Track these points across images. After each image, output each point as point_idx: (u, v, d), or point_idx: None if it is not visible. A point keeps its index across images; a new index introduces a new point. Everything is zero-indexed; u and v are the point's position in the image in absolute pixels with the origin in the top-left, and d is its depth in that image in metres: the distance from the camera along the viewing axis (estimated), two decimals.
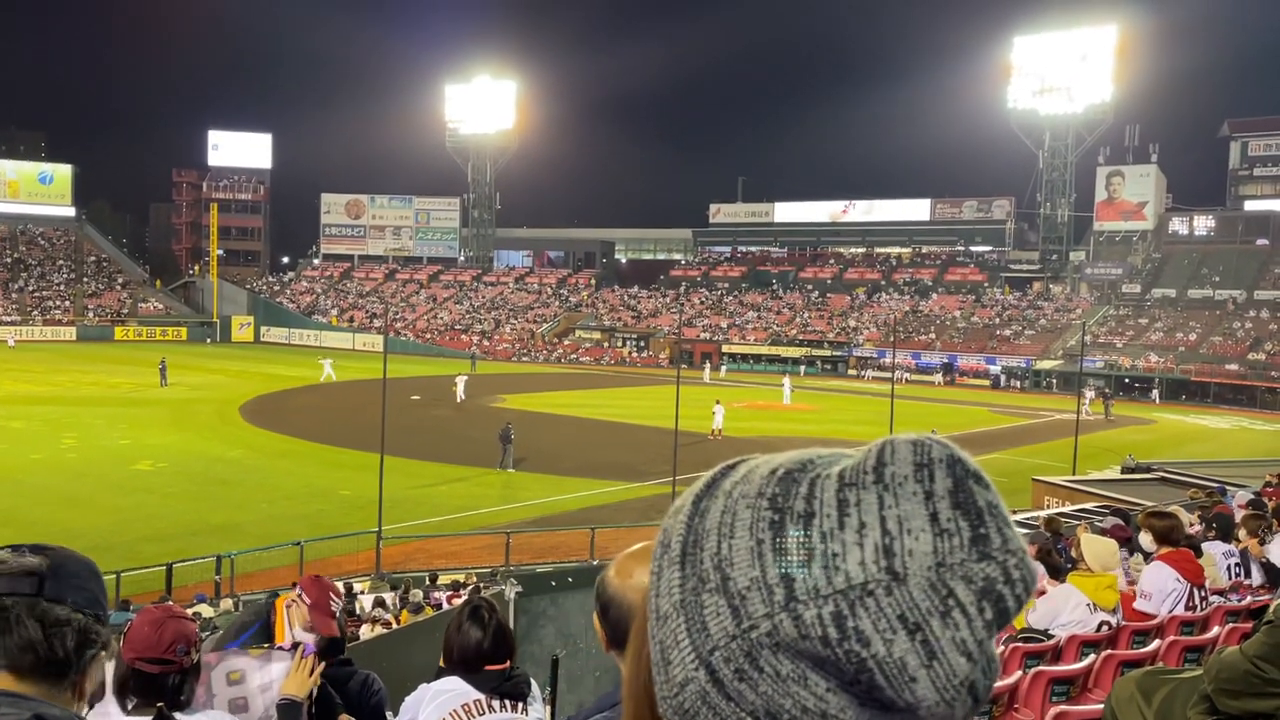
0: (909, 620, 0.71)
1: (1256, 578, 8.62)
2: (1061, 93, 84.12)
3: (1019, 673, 6.01)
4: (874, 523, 0.74)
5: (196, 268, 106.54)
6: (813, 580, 0.73)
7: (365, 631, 14.09)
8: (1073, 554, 8.11)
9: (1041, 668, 6.02)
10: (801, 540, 0.75)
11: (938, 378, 71.77)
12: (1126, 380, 65.89)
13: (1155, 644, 6.41)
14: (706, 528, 0.80)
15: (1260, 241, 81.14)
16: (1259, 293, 74.89)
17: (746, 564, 0.76)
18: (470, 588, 16.67)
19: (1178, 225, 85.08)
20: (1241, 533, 9.23)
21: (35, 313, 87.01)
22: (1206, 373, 64.56)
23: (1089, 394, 55.73)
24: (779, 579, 0.74)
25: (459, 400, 48.63)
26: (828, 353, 78.87)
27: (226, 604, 16.65)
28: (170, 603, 10.46)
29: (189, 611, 13.28)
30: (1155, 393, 63.39)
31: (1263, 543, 8.76)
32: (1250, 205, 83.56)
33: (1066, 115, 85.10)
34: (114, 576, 17.47)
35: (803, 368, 74.78)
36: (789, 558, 0.75)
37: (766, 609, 0.74)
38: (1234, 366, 64.95)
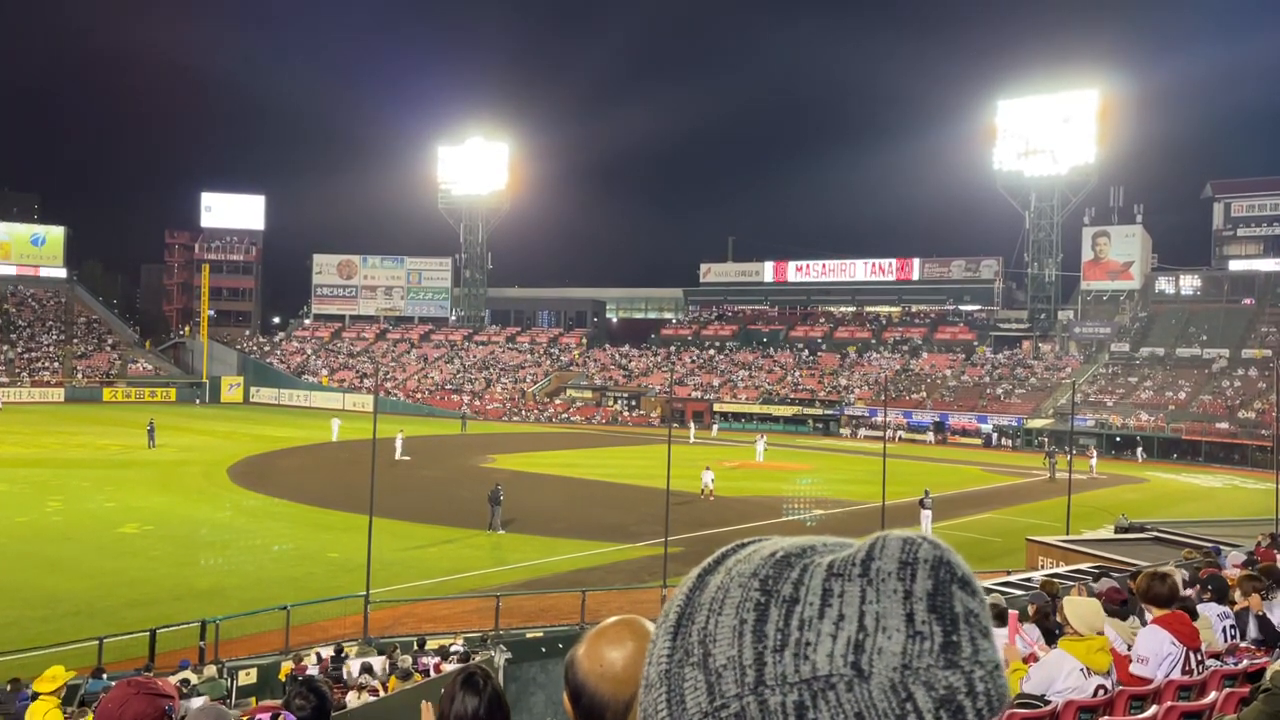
0: (865, 719, 0.71)
1: (1252, 632, 8.55)
2: (1046, 155, 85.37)
3: None
4: (853, 616, 0.74)
5: (187, 328, 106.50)
6: (782, 667, 0.74)
7: (352, 699, 13.84)
8: (1058, 619, 8.04)
9: None
10: (780, 625, 0.75)
11: (929, 436, 71.87)
12: (1118, 439, 66.03)
13: (1153, 709, 6.32)
14: (701, 601, 0.81)
15: (1246, 301, 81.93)
16: (1246, 351, 75.36)
17: (727, 642, 0.77)
18: (459, 654, 16.42)
19: (1164, 285, 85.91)
20: (1237, 593, 9.17)
21: (24, 374, 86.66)
22: (1197, 431, 64.71)
23: (1093, 453, 55.95)
24: (753, 661, 0.75)
25: (397, 458, 47.84)
26: (819, 411, 78.92)
27: (210, 670, 16.34)
28: (147, 675, 10.25)
29: (172, 680, 13.04)
30: (1140, 450, 63.62)
31: (1265, 598, 8.70)
32: (1235, 265, 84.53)
33: (1051, 177, 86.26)
34: (97, 642, 17.19)
35: (854, 432, 74.69)
36: (765, 641, 0.75)
37: (737, 690, 0.75)
38: (1224, 425, 65.11)
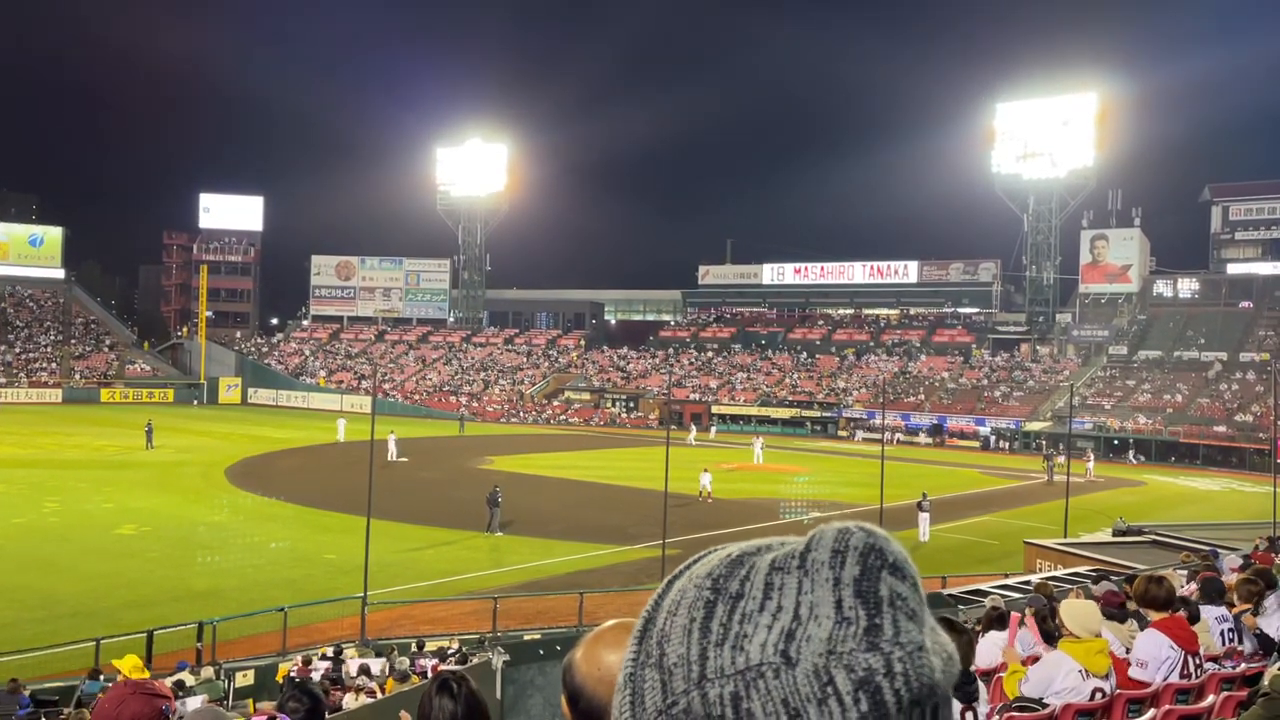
0: (790, 705, 0.73)
1: (1249, 645, 8.54)
2: (1044, 158, 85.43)
3: None
4: (789, 606, 0.76)
5: (185, 329, 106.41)
6: (721, 660, 0.76)
7: (349, 700, 13.82)
8: (1055, 622, 8.02)
9: None
10: (724, 620, 0.78)
11: (922, 438, 71.85)
12: (1115, 442, 66.02)
13: (1151, 713, 6.32)
14: (663, 605, 0.84)
15: (1244, 304, 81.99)
16: (1244, 354, 75.40)
17: (679, 640, 0.79)
18: (456, 654, 16.41)
19: (1162, 288, 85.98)
20: (1235, 597, 9.16)
21: (21, 375, 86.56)
22: (1195, 434, 64.70)
23: (1089, 457, 55.87)
24: (698, 657, 0.77)
25: (389, 459, 47.53)
26: (817, 414, 78.91)
27: (208, 672, 16.32)
28: (143, 676, 10.28)
29: (168, 681, 13.02)
30: (1132, 453, 63.61)
31: (1256, 612, 8.69)
32: (1233, 268, 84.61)
33: (1050, 180, 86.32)
34: (94, 644, 17.18)
35: (852, 434, 74.39)
36: (709, 637, 0.78)
37: (684, 685, 0.77)
38: (1222, 428, 65.12)
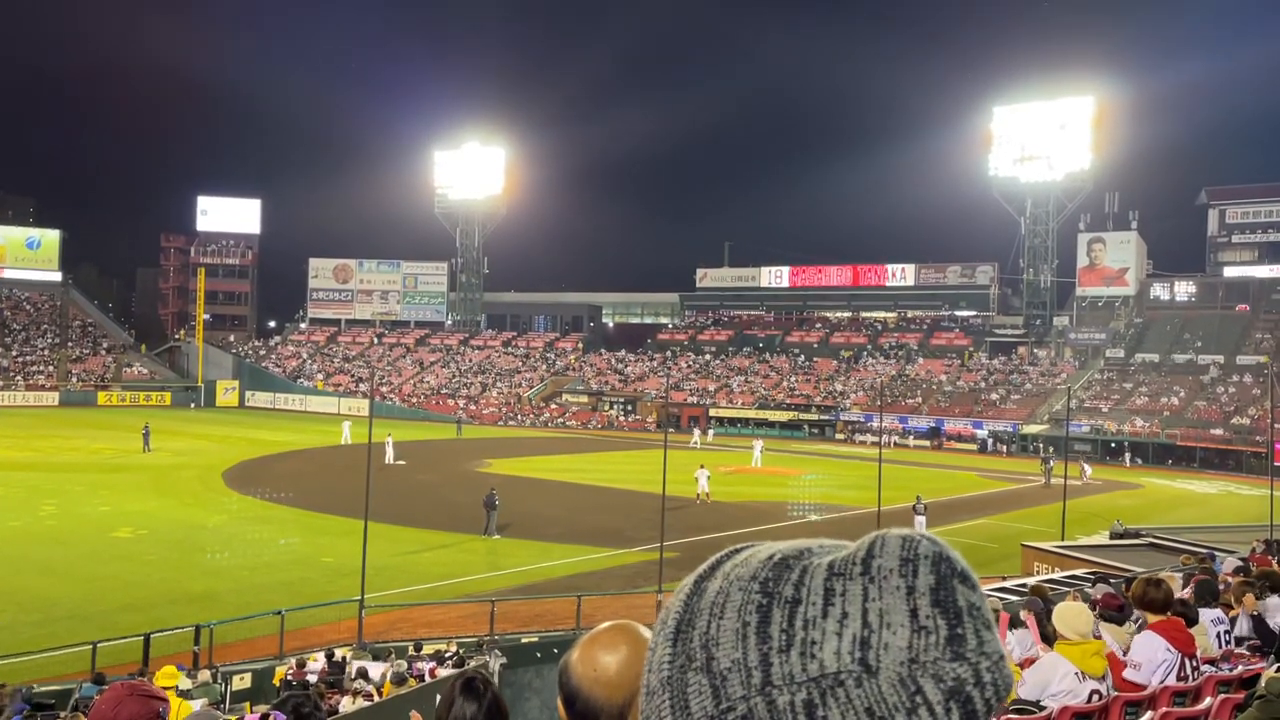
0: (875, 714, 0.72)
1: (1243, 629, 8.54)
2: (1041, 161, 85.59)
3: None
4: (856, 614, 0.75)
5: (182, 332, 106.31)
6: (789, 666, 0.75)
7: (346, 704, 13.81)
8: (1048, 628, 8.03)
9: None
10: (784, 626, 0.76)
11: (911, 440, 71.78)
12: (1112, 445, 66.08)
13: (1148, 715, 6.32)
14: (701, 607, 0.82)
15: (1240, 307, 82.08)
16: (1241, 357, 75.48)
17: (731, 645, 0.77)
18: (454, 657, 16.41)
19: (1159, 291, 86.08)
20: (1231, 598, 9.17)
21: (18, 378, 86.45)
22: (1192, 437, 64.79)
23: (1086, 464, 55.72)
24: (758, 662, 0.76)
25: (387, 462, 47.39)
26: (815, 416, 78.91)
27: (204, 675, 16.29)
28: (140, 679, 10.26)
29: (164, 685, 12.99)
30: (1128, 455, 63.63)
31: (1259, 596, 8.70)
32: (1229, 271, 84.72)
33: (1047, 183, 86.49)
34: (90, 647, 17.15)
35: (850, 437, 74.17)
36: (770, 642, 0.76)
37: (744, 691, 0.76)
38: (1219, 431, 65.20)
